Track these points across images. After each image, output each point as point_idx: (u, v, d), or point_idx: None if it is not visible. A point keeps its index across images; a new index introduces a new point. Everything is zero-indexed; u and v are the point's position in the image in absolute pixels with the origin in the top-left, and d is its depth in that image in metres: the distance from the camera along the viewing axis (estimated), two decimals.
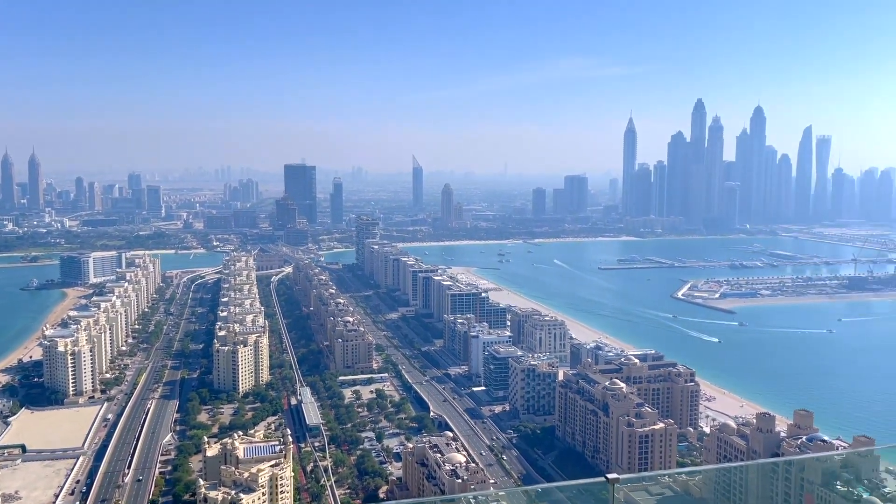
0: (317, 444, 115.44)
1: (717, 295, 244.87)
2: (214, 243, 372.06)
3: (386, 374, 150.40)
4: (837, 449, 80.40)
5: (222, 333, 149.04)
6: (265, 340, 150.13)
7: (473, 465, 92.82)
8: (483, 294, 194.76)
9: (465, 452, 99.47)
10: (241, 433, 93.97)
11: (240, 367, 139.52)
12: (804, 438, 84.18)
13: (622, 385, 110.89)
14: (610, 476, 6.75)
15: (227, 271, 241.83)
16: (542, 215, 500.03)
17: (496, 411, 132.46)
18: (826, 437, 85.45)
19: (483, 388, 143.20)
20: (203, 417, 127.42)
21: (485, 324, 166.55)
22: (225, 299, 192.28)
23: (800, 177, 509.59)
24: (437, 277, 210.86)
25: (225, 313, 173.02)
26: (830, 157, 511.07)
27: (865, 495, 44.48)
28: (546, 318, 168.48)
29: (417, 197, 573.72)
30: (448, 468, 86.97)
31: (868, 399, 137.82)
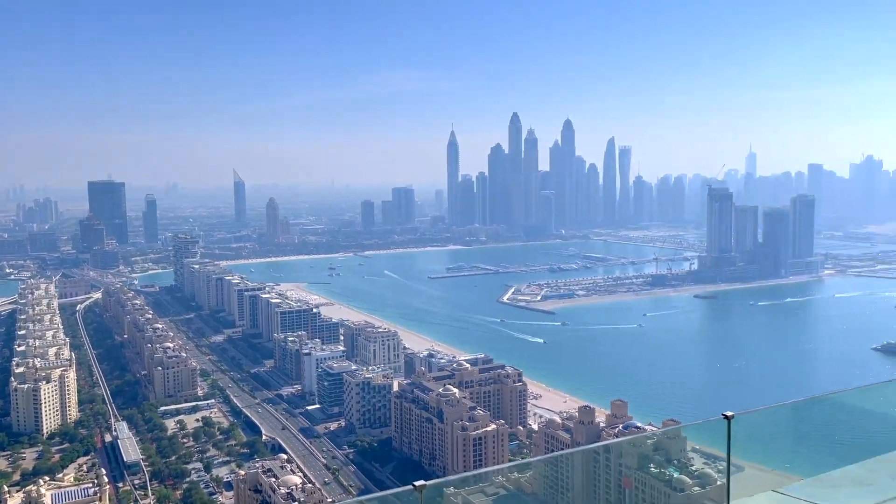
0: (137, 481, 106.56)
1: (538, 297, 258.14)
2: (7, 270, 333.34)
3: (213, 401, 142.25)
4: (650, 434, 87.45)
5: (20, 370, 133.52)
6: (72, 374, 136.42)
7: (310, 485, 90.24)
8: (314, 310, 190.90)
9: (300, 474, 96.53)
10: (47, 478, 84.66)
11: (42, 405, 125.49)
12: (620, 426, 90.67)
13: (455, 390, 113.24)
14: (417, 483, 6.45)
15: (23, 301, 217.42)
16: (371, 227, 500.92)
17: (332, 428, 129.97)
18: (639, 424, 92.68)
19: (318, 405, 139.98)
20: (1, 465, 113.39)
21: (317, 340, 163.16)
22: (22, 332, 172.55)
23: (606, 184, 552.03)
24: (264, 295, 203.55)
25: (23, 347, 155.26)
26: (632, 166, 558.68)
27: (676, 474, 48.09)
28: (379, 330, 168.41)
29: (240, 212, 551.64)
30: (283, 492, 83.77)
31: (674, 384, 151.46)
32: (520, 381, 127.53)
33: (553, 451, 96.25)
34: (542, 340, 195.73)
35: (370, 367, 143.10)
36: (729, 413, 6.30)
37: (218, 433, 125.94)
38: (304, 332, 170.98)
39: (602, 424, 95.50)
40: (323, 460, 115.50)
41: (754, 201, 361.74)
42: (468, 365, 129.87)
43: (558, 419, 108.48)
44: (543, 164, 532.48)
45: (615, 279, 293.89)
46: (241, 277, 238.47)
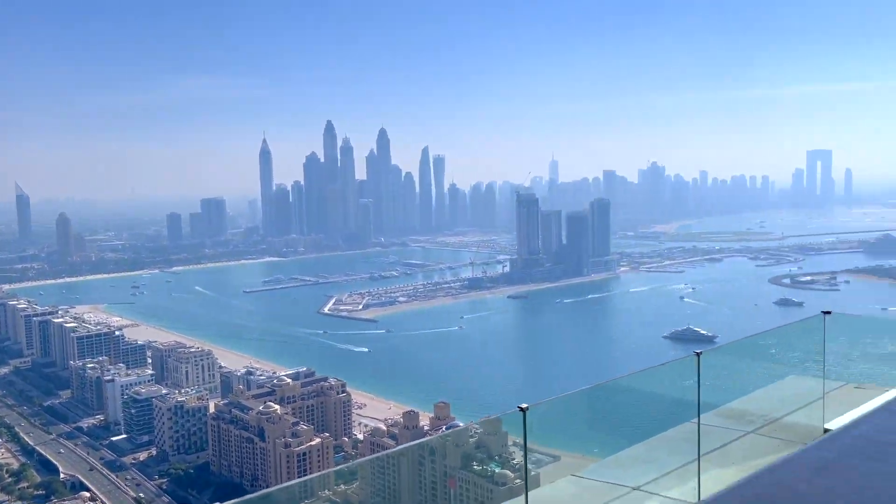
0: None
1: (360, 306, 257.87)
2: None
3: None
4: (471, 432, 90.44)
5: None
6: None
7: None
8: (117, 332, 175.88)
9: None
10: None
11: None
12: (444, 428, 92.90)
13: (276, 407, 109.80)
14: None
15: None
16: (179, 241, 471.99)
17: (141, 458, 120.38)
18: (461, 423, 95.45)
19: (124, 435, 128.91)
20: None
21: (121, 365, 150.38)
22: None
23: (422, 192, 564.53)
24: (57, 320, 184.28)
25: None
26: (446, 174, 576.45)
27: (498, 469, 49.60)
28: (192, 350, 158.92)
29: (25, 229, 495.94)
30: None
31: (494, 381, 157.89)
32: (343, 392, 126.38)
33: (380, 458, 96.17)
34: (366, 349, 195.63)
35: (183, 390, 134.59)
36: (524, 405, 6.46)
37: (6, 475, 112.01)
38: (105, 358, 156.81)
39: (426, 428, 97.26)
40: (132, 494, 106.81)
41: (558, 206, 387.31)
42: (289, 380, 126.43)
43: (383, 427, 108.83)
44: (360, 173, 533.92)
45: (434, 284, 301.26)
46: (29, 301, 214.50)
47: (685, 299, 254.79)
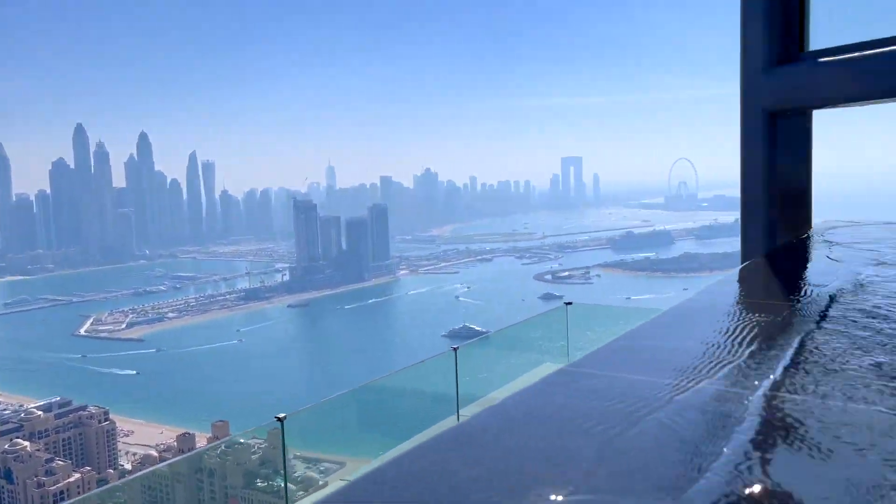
0: None
1: (123, 325, 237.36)
2: None
3: None
4: (254, 448, 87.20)
5: None
6: None
7: None
8: None
9: None
10: None
11: None
12: (223, 447, 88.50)
13: (26, 444, 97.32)
14: None
15: None
16: None
17: None
18: (242, 440, 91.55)
19: None
20: None
21: None
22: None
23: (191, 200, 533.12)
24: None
25: None
26: (217, 181, 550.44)
27: (283, 484, 48.54)
28: None
29: None
30: None
31: (278, 393, 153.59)
32: (106, 419, 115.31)
33: (152, 487, 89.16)
34: (134, 372, 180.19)
35: None
36: (281, 415, 6.30)
37: None
38: None
39: (203, 450, 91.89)
40: None
41: (336, 211, 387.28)
42: (40, 412, 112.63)
43: (155, 452, 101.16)
44: (119, 180, 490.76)
45: (208, 297, 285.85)
46: None
47: (461, 298, 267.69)
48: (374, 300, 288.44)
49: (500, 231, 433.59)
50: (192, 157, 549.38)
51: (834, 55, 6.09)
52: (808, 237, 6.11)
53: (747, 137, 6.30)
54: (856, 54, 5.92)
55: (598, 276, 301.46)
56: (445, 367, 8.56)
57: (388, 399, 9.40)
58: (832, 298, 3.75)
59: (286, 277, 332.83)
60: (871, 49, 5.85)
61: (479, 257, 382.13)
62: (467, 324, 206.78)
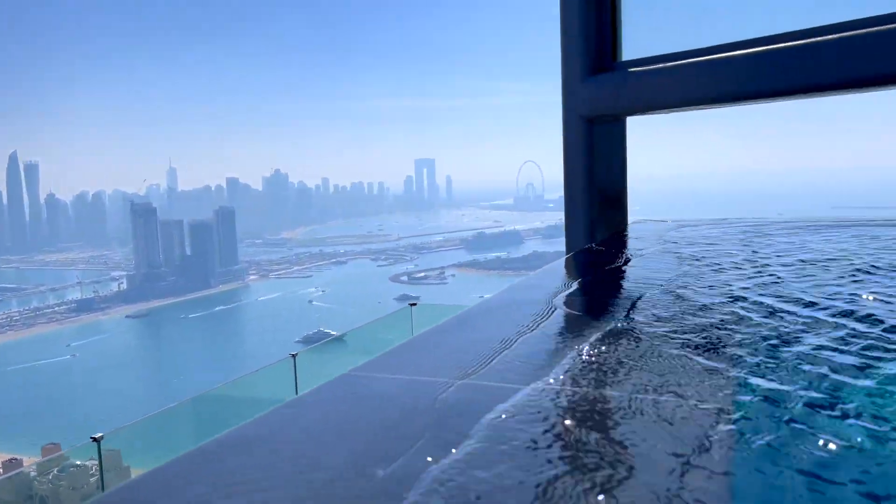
0: None
1: None
2: None
3: None
4: (92, 470, 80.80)
5: None
6: None
7: None
8: None
9: None
10: None
11: None
12: (55, 471, 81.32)
13: None
14: None
15: None
16: None
17: None
18: (79, 462, 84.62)
19: None
20: None
21: None
22: None
23: (12, 205, 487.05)
24: None
25: None
26: (41, 184, 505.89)
27: None
28: None
29: None
30: None
31: (111, 411, 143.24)
32: None
33: None
34: None
35: None
36: (98, 434, 5.89)
37: None
38: None
39: (33, 474, 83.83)
40: None
41: (179, 215, 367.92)
42: None
43: None
44: None
45: (34, 310, 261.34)
46: None
47: (315, 302, 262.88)
48: (222, 307, 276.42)
49: (355, 233, 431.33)
50: (13, 158, 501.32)
51: (644, 65, 6.57)
52: (620, 235, 6.55)
53: (568, 143, 6.65)
54: (664, 65, 6.41)
55: (453, 275, 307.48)
56: (285, 372, 8.38)
57: (225, 409, 9.04)
58: (631, 298, 3.92)
59: (123, 286, 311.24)
60: (679, 60, 6.35)
61: (334, 260, 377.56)
62: (322, 328, 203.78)
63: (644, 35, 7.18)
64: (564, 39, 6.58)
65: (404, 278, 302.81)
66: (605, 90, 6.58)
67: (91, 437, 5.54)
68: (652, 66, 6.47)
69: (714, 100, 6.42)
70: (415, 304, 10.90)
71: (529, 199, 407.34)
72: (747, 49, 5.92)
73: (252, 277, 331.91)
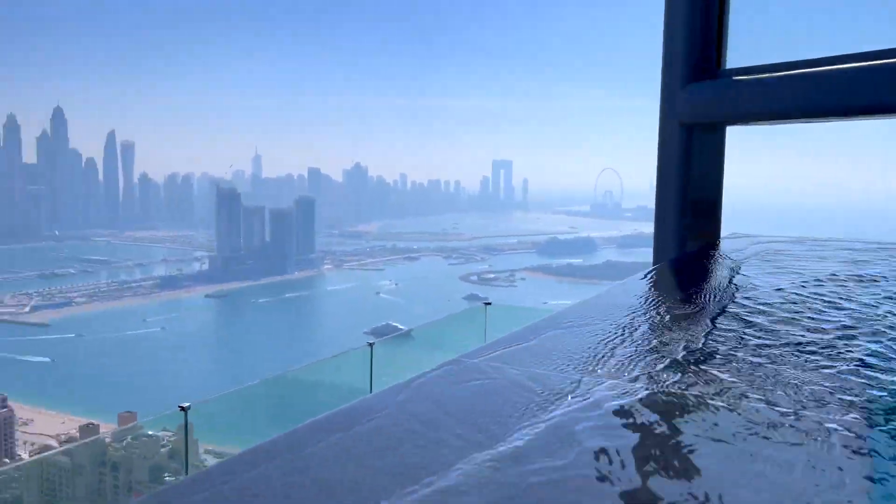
0: None
1: (26, 308, 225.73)
2: None
3: None
4: (163, 441, 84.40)
5: None
6: None
7: None
8: None
9: None
10: None
11: None
12: (129, 438, 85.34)
13: None
14: None
15: None
16: None
17: None
18: (151, 432, 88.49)
19: None
20: None
21: None
22: None
23: (107, 181, 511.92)
24: None
25: None
26: (136, 163, 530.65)
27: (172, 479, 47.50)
28: None
29: None
30: None
31: (192, 384, 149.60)
32: (4, 407, 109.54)
33: (51, 479, 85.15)
34: (48, 359, 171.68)
35: None
36: (185, 404, 6.13)
37: None
38: None
39: (108, 440, 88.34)
40: None
41: (261, 202, 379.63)
42: None
43: (55, 443, 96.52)
44: (30, 156, 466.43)
45: (121, 283, 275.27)
46: None
47: (385, 296, 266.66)
48: (289, 294, 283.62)
49: (429, 230, 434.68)
50: (111, 137, 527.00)
51: (749, 74, 6.36)
52: (713, 246, 6.36)
53: (664, 148, 6.50)
54: (770, 74, 6.20)
55: (523, 279, 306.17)
56: (361, 362, 8.50)
57: (300, 392, 9.27)
58: (719, 302, 3.88)
59: (205, 266, 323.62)
60: (784, 71, 6.12)
61: (406, 255, 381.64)
62: (390, 321, 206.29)
63: (749, 43, 6.97)
64: (667, 43, 6.43)
65: (474, 278, 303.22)
66: (707, 97, 6.40)
67: (179, 406, 5.77)
68: (756, 76, 6.27)
69: (818, 113, 6.18)
70: (489, 304, 10.88)
71: (607, 207, 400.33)
72: (856, 63, 5.66)
73: (327, 267, 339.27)
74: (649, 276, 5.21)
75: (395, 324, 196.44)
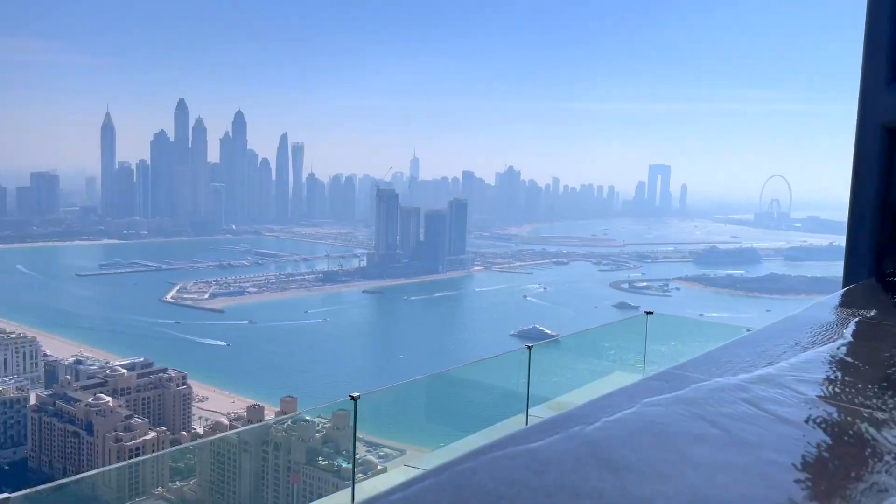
0: None
1: (206, 295, 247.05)
2: None
3: None
4: (318, 426, 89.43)
5: None
6: None
7: None
8: None
9: None
10: None
11: None
12: (289, 422, 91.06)
13: (108, 399, 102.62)
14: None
15: None
16: (2, 217, 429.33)
17: None
18: (308, 417, 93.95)
19: None
20: None
21: None
22: None
23: (279, 180, 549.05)
24: None
25: None
26: (304, 163, 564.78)
27: (344, 464, 49.23)
28: (11, 336, 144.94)
29: None
30: None
31: (348, 375, 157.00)
32: (184, 384, 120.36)
33: (220, 453, 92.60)
34: (224, 343, 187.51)
35: (1, 379, 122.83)
36: (355, 394, 6.35)
37: None
38: None
39: (272, 422, 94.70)
40: None
41: (417, 203, 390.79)
42: (124, 370, 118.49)
43: (226, 420, 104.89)
44: (213, 156, 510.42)
45: (287, 275, 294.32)
46: None
47: (533, 299, 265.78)
48: (439, 294, 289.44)
49: (579, 235, 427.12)
50: (284, 139, 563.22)
51: None
52: None
53: (861, 152, 5.93)
54: None
55: (678, 288, 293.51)
56: (517, 364, 8.45)
57: (457, 390, 9.37)
58: None
59: (363, 263, 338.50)
60: None
61: (555, 260, 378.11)
62: (537, 325, 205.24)
63: None
64: (869, 44, 5.86)
65: (625, 286, 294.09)
66: None
67: (349, 396, 6.00)
68: None
69: None
70: (651, 313, 10.44)
71: (773, 217, 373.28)
72: None
73: (477, 268, 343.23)
74: (851, 295, 4.72)
75: (541, 327, 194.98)
